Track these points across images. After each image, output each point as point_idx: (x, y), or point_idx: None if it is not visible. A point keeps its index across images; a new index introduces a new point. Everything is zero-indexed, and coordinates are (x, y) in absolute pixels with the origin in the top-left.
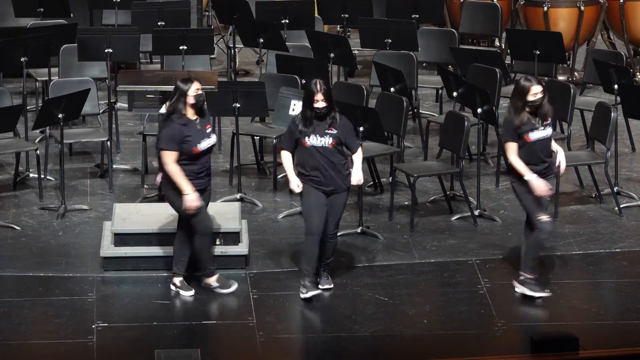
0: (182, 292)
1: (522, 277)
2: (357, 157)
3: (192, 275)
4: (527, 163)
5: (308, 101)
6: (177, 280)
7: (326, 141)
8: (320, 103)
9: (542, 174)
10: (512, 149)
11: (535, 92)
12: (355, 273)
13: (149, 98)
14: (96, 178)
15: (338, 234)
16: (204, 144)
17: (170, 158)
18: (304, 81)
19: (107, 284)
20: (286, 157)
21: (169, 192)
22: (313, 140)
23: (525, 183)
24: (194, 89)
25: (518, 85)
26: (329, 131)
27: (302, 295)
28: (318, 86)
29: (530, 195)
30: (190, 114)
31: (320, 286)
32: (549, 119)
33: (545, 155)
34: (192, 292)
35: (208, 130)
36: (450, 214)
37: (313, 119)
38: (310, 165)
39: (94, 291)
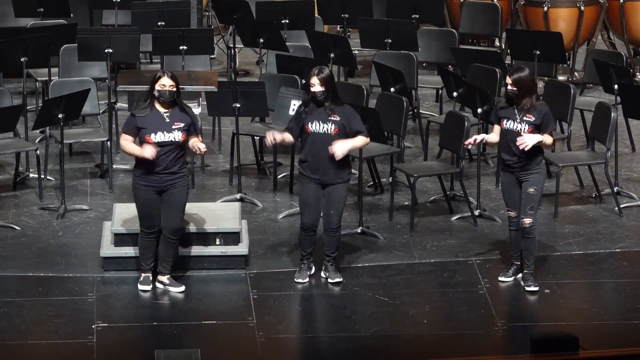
0: (171, 288)
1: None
2: (358, 138)
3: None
4: (500, 149)
5: (307, 86)
6: (165, 278)
7: (329, 128)
8: (316, 87)
9: (513, 167)
10: (494, 129)
11: (508, 82)
12: (355, 273)
13: None
14: (96, 178)
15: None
16: (159, 136)
17: (122, 139)
18: (304, 81)
19: (107, 284)
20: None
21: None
22: (316, 127)
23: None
24: (160, 83)
25: None
26: (333, 118)
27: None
28: (316, 71)
29: (504, 189)
30: (158, 105)
31: (329, 280)
32: (532, 117)
33: (517, 149)
34: (182, 288)
35: (174, 126)
36: (450, 214)
37: (310, 102)
38: (310, 152)
39: (94, 291)
